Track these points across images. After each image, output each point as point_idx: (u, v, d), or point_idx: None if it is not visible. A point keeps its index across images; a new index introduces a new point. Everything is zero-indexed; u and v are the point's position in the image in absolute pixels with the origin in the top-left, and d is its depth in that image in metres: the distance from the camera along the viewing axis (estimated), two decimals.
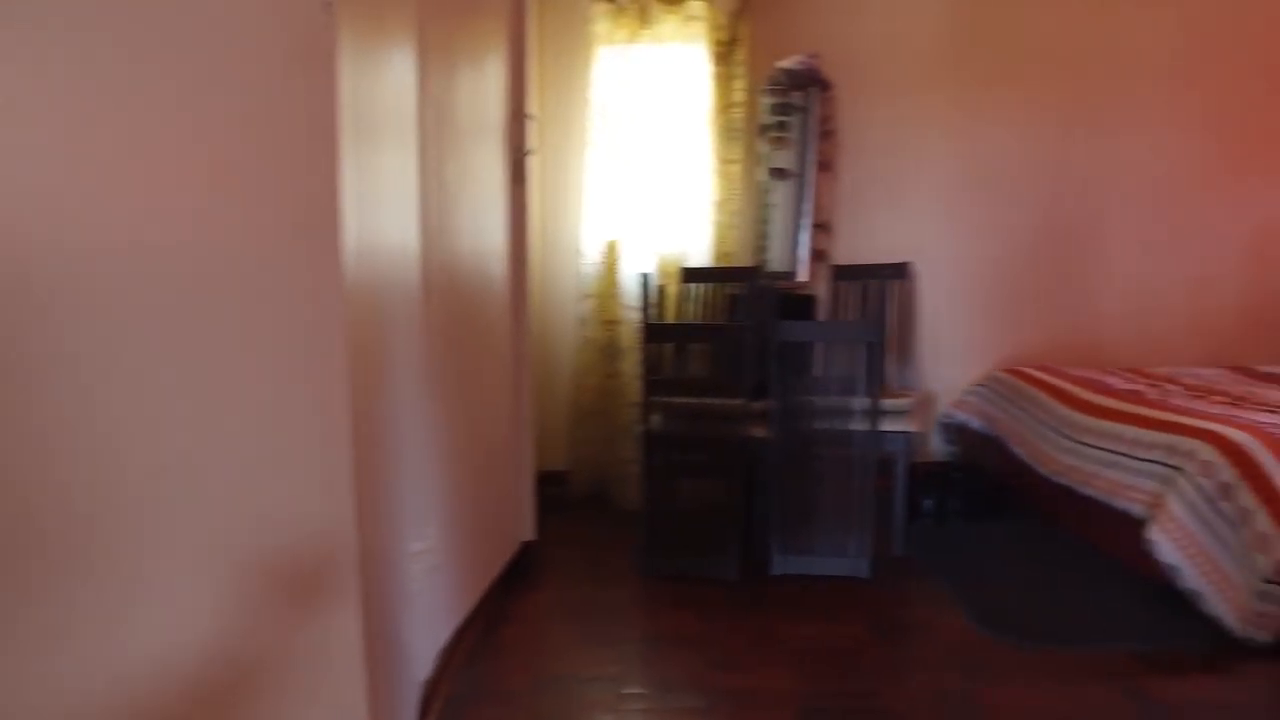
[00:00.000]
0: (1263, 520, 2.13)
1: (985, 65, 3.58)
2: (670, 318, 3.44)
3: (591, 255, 3.46)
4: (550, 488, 3.64)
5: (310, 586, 1.34)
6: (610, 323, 3.54)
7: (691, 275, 3.40)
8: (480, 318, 2.28)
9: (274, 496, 1.30)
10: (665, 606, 2.54)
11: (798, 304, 3.29)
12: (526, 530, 2.77)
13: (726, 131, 3.47)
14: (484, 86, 2.28)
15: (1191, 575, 2.20)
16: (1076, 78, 3.61)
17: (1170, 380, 3.27)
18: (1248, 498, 2.17)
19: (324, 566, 1.34)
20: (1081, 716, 1.91)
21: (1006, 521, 3.20)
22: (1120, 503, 2.50)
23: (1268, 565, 2.11)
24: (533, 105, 2.85)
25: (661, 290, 3.36)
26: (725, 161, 3.49)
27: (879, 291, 3.33)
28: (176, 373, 1.25)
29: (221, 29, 1.22)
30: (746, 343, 2.74)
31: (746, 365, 2.74)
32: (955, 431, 3.66)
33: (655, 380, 2.83)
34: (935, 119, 3.59)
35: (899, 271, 3.41)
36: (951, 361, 3.70)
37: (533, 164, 3.07)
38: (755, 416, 2.86)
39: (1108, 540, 2.74)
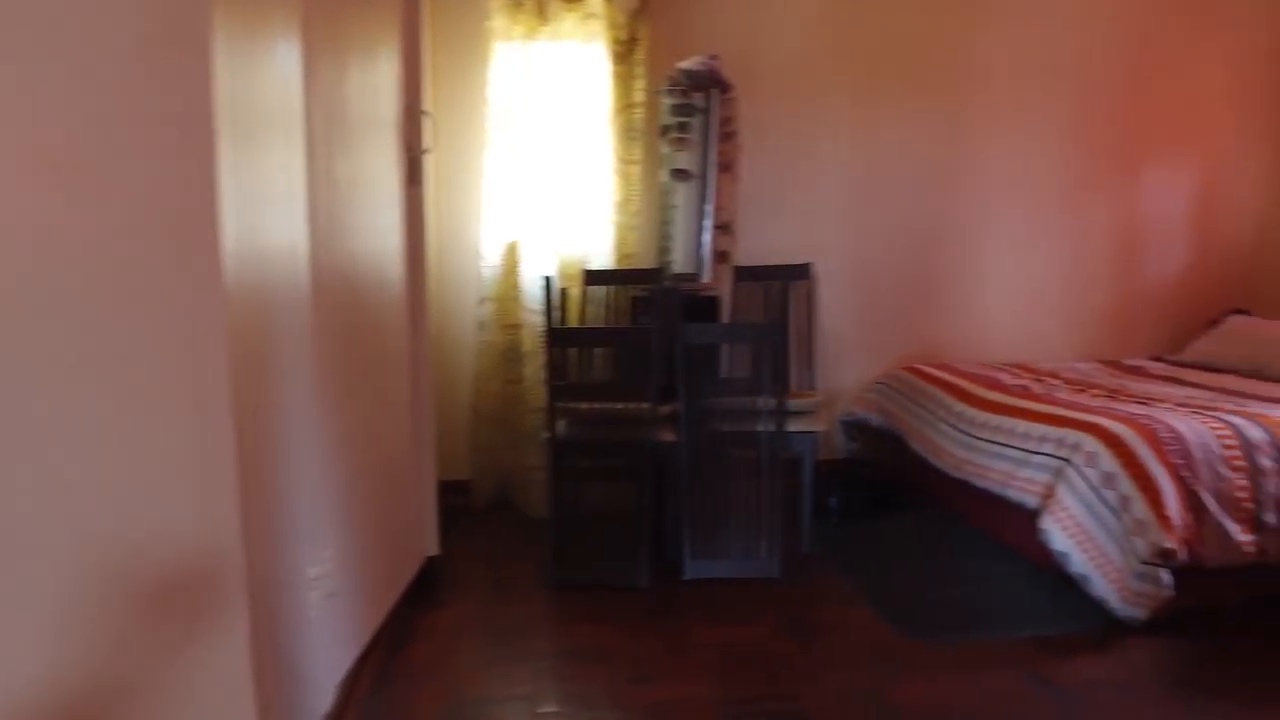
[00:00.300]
0: (1140, 507, 2.25)
1: (878, 71, 3.68)
2: (572, 321, 3.38)
3: (491, 257, 3.36)
4: (453, 497, 3.52)
5: (189, 610, 1.23)
6: (511, 326, 3.44)
7: (594, 278, 3.34)
8: (376, 322, 2.16)
9: (147, 514, 1.21)
10: (577, 618, 2.47)
11: (701, 306, 3.28)
12: (430, 544, 2.65)
13: (627, 132, 3.44)
14: (376, 81, 2.15)
15: (1080, 561, 2.31)
16: (960, 85, 3.75)
17: (1053, 375, 3.44)
18: (1127, 485, 2.28)
19: (205, 588, 1.23)
20: (988, 705, 1.96)
21: (908, 515, 3.29)
22: (1015, 494, 2.60)
23: (1145, 548, 2.23)
24: (428, 102, 2.73)
25: (564, 293, 3.29)
26: (626, 162, 3.45)
27: (781, 292, 3.36)
28: (34, 385, 1.12)
29: (75, 6, 1.08)
30: (652, 346, 2.71)
31: (652, 368, 2.71)
32: (857, 429, 3.74)
33: (560, 385, 2.76)
34: (831, 122, 3.67)
35: (800, 272, 3.46)
36: (852, 360, 3.79)
37: (429, 163, 2.94)
38: (662, 420, 2.83)
39: (1003, 530, 2.85)
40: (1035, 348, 3.96)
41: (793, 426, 2.83)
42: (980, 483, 2.78)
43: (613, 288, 3.36)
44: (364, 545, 1.99)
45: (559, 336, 2.72)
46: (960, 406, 3.06)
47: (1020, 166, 3.87)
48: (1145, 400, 2.86)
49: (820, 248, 3.68)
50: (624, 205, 3.47)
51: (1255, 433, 2.44)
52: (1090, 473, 2.35)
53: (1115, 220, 4.00)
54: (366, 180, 2.06)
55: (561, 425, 2.80)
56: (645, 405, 2.72)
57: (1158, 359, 3.92)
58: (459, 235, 3.49)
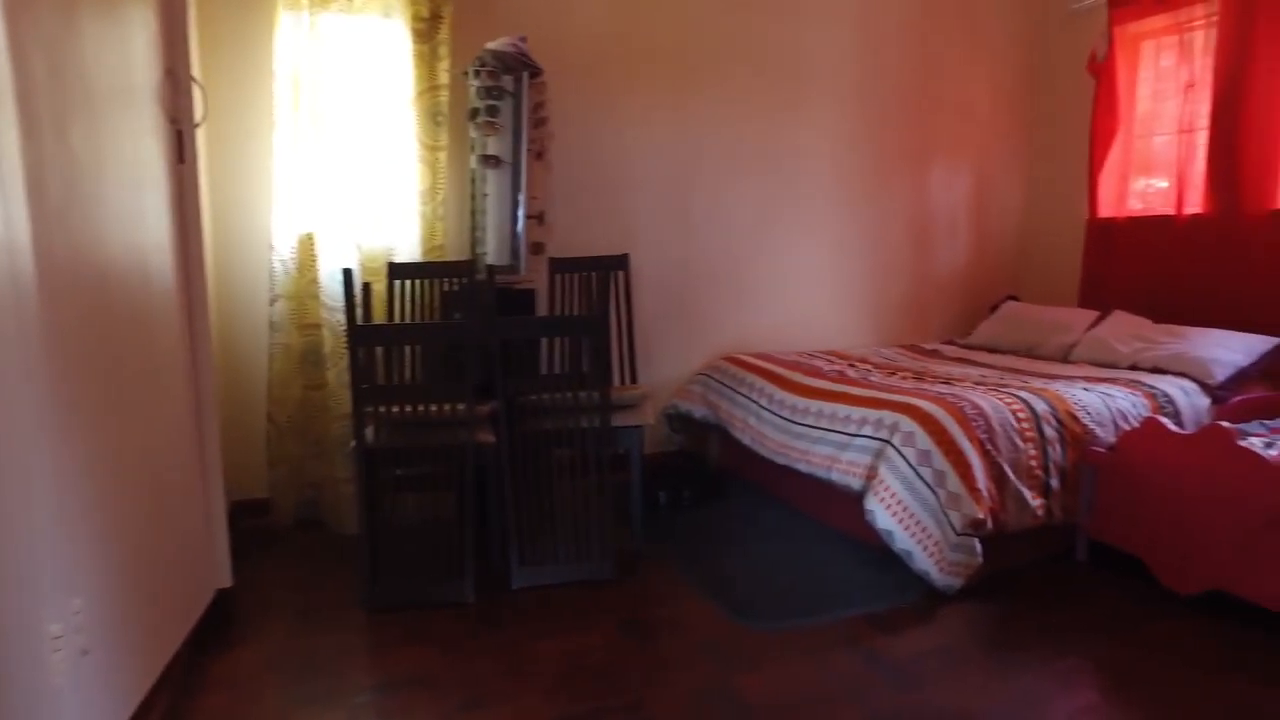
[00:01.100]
0: (953, 481, 2.36)
1: (688, 60, 3.68)
2: (378, 319, 3.11)
3: (283, 250, 3.02)
4: (251, 519, 3.15)
5: None
6: (310, 326, 3.12)
7: (400, 271, 3.09)
8: (140, 324, 1.83)
9: None
10: (398, 643, 2.24)
11: (517, 299, 3.13)
12: (222, 575, 2.32)
13: (432, 116, 3.21)
14: (124, 40, 1.82)
15: (902, 537, 2.39)
16: (770, 78, 3.84)
17: (864, 360, 3.59)
18: (941, 461, 2.39)
19: None
20: (831, 686, 1.97)
21: (738, 504, 3.30)
22: (839, 477, 2.66)
23: (959, 520, 2.34)
24: (198, 69, 2.39)
25: (367, 289, 3.02)
26: (431, 148, 3.22)
27: (599, 284, 3.27)
28: None
29: None
30: (466, 342, 2.53)
31: (468, 367, 2.53)
32: (681, 421, 3.73)
33: (366, 388, 2.51)
34: (643, 111, 3.62)
35: (618, 264, 3.38)
36: (672, 353, 3.78)
37: (205, 143, 2.59)
38: (481, 421, 2.66)
39: (829, 512, 2.92)
40: (844, 336, 4.15)
41: (617, 421, 2.75)
42: (805, 468, 2.83)
43: (421, 282, 3.13)
44: (130, 586, 1.68)
45: (363, 334, 2.47)
46: (781, 394, 3.11)
47: (827, 162, 4.02)
48: (948, 380, 3.03)
49: (636, 239, 3.64)
50: (431, 194, 3.24)
51: (1040, 405, 2.64)
52: (908, 451, 2.44)
53: (909, 214, 4.26)
54: (118, 157, 1.74)
55: (370, 432, 2.55)
56: (461, 406, 2.53)
57: (950, 342, 4.22)
58: (244, 224, 3.11)
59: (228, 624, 2.33)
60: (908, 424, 2.48)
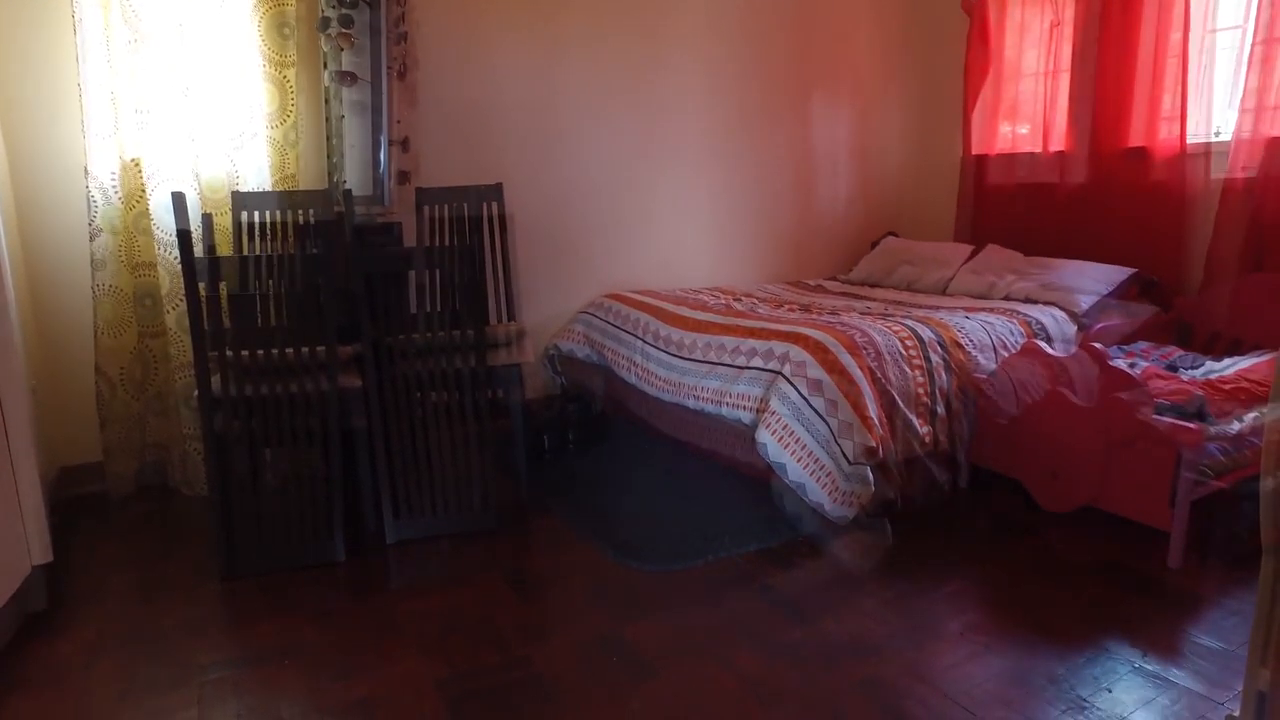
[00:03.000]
0: (845, 410, 2.33)
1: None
2: (222, 255, 2.78)
3: (103, 177, 2.63)
4: (83, 485, 2.81)
5: None
6: (144, 265, 2.75)
7: (246, 202, 2.76)
8: None
9: None
10: (259, 614, 2.02)
11: (380, 232, 2.87)
12: (36, 551, 2.01)
13: (279, 26, 2.85)
14: None
15: (794, 469, 2.34)
16: (650, 7, 3.64)
17: (749, 295, 3.53)
18: (833, 390, 2.35)
19: None
20: (726, 627, 1.90)
21: (625, 446, 3.19)
22: (729, 411, 2.58)
23: (853, 449, 2.31)
24: None
25: (208, 220, 2.68)
26: (279, 64, 2.87)
27: (471, 214, 3.04)
28: None
29: None
30: (325, 278, 2.27)
31: (328, 306, 2.27)
32: (564, 362, 3.57)
33: (212, 332, 2.22)
34: (516, 34, 3.36)
35: (491, 194, 3.15)
36: (551, 292, 3.60)
37: None
38: (345, 365, 2.42)
39: (719, 448, 2.85)
40: (728, 272, 4.08)
41: (494, 361, 2.57)
42: (694, 404, 2.74)
43: (272, 214, 2.80)
44: None
45: (200, 266, 2.16)
46: (667, 329, 3.00)
47: (708, 96, 3.88)
48: (834, 312, 3.00)
49: (509, 170, 3.40)
50: (280, 116, 2.90)
51: (927, 333, 2.65)
52: (799, 382, 2.38)
53: (791, 150, 4.20)
54: None
55: (219, 382, 2.26)
56: (322, 350, 2.28)
57: (833, 278, 4.23)
58: (51, 146, 2.68)
59: (55, 607, 2.04)
60: (798, 353, 2.42)
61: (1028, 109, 4.00)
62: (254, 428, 2.26)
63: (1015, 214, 4.01)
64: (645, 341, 3.08)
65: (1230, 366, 2.70)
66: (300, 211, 2.81)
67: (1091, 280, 3.27)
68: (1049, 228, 3.86)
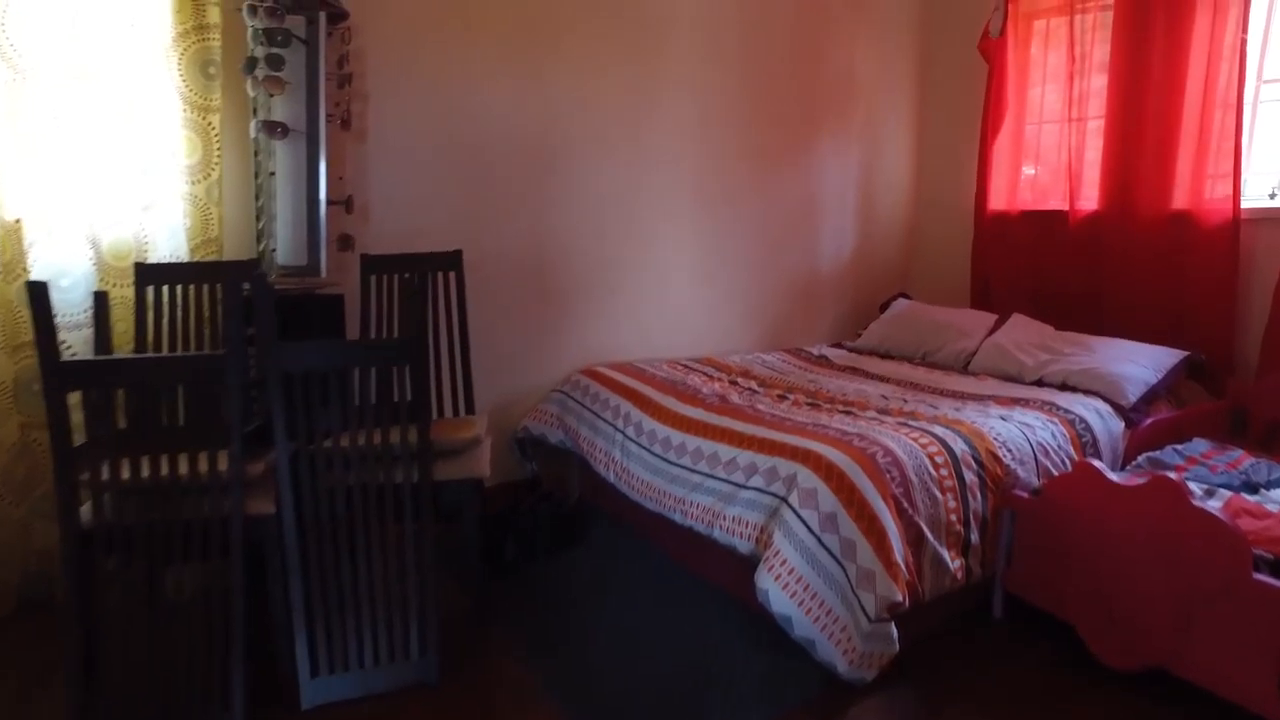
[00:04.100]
0: (865, 553, 1.89)
1: (545, 18, 3.02)
2: (123, 340, 2.34)
3: None
4: None
5: None
6: (25, 346, 2.31)
7: (151, 275, 2.32)
8: None
9: None
10: None
11: (317, 309, 2.44)
12: None
13: (201, 65, 2.44)
14: None
15: (803, 623, 1.89)
16: (640, 45, 3.24)
17: (746, 373, 3.10)
18: (850, 528, 1.91)
19: None
20: None
21: (602, 552, 2.73)
22: (721, 535, 2.15)
23: (874, 604, 1.87)
24: None
25: (103, 300, 2.24)
26: (202, 109, 2.45)
27: (419, 291, 2.59)
28: None
29: None
30: (233, 377, 1.83)
31: (236, 409, 1.84)
32: (535, 446, 3.13)
33: (78, 446, 1.77)
34: (487, 73, 2.94)
35: (449, 262, 2.71)
36: (524, 363, 3.16)
37: None
38: (255, 482, 1.98)
39: (710, 568, 2.41)
40: (721, 338, 3.65)
41: (444, 474, 2.13)
42: (680, 519, 2.31)
43: (185, 288, 2.37)
44: None
45: (61, 373, 1.73)
46: (651, 423, 2.56)
47: (702, 139, 3.48)
48: (847, 406, 2.58)
49: (476, 228, 2.97)
50: (202, 169, 2.48)
51: (959, 445, 2.22)
52: (809, 515, 1.94)
53: (792, 204, 3.79)
54: None
55: (89, 506, 1.81)
56: (224, 469, 1.84)
57: (838, 345, 3.82)
58: None
59: None
60: (808, 477, 1.99)
61: (1052, 163, 3.61)
62: (137, 559, 1.81)
63: (1039, 279, 3.61)
64: (625, 435, 2.64)
65: None
66: (220, 285, 2.38)
67: (1137, 366, 2.86)
68: (1078, 297, 3.46)
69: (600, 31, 3.15)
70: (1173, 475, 2.29)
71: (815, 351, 3.63)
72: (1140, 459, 2.56)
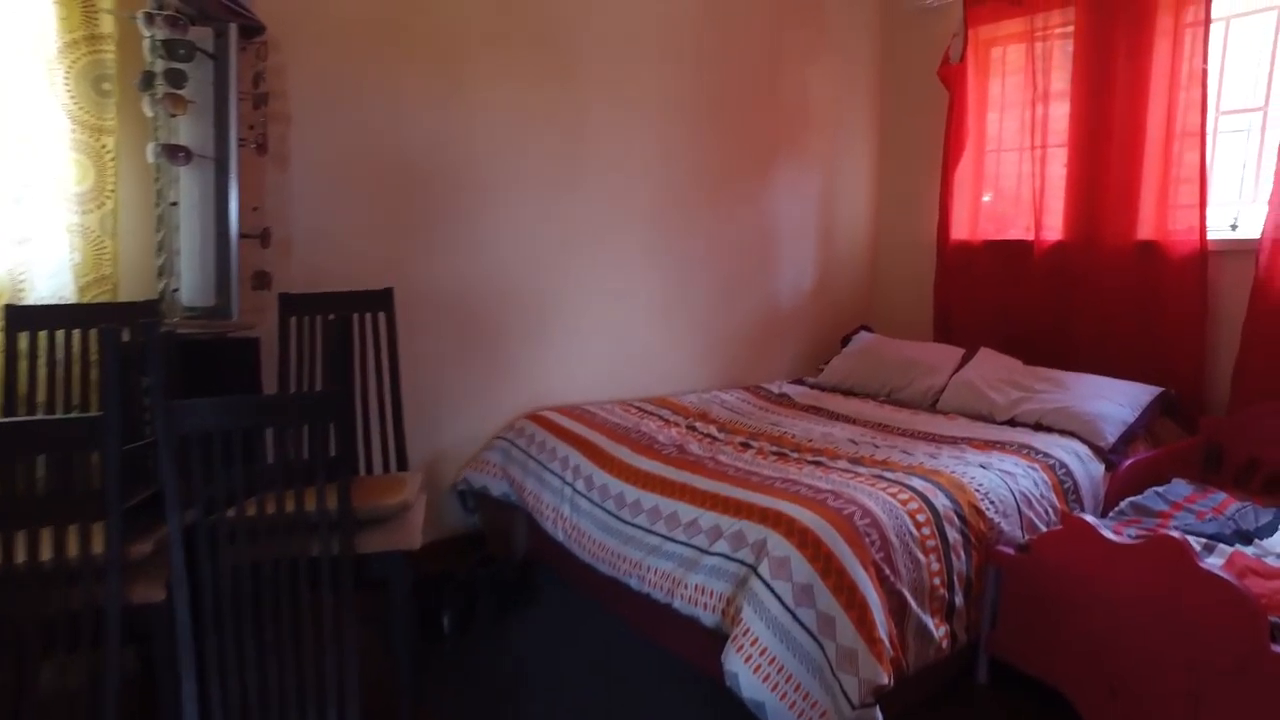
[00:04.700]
0: (846, 630, 1.68)
1: (472, 30, 2.80)
2: None
3: None
4: None
5: None
6: None
7: (26, 318, 2.03)
8: None
9: None
10: None
11: (229, 355, 2.17)
12: None
13: (93, 80, 2.16)
14: None
15: (779, 711, 1.67)
16: (586, 64, 3.04)
17: (704, 416, 2.89)
18: (828, 600, 1.70)
19: None
20: None
21: (551, 617, 2.48)
22: (683, 606, 1.92)
23: (856, 688, 1.66)
24: None
25: None
26: (94, 129, 2.18)
27: (338, 337, 2.32)
28: None
29: None
30: (109, 444, 1.55)
31: (112, 480, 1.56)
32: (477, 498, 2.87)
33: None
34: (413, 95, 2.71)
35: (379, 301, 2.46)
36: (464, 407, 2.89)
37: None
38: (141, 563, 1.69)
39: (669, 636, 2.18)
40: (678, 375, 3.44)
41: (370, 545, 1.87)
42: (637, 585, 2.07)
43: (68, 333, 2.08)
44: None
45: None
46: (603, 477, 2.33)
47: (656, 166, 3.28)
48: (816, 455, 2.38)
49: (409, 267, 2.71)
50: (95, 197, 2.19)
51: (941, 500, 2.03)
52: (781, 586, 1.72)
53: (749, 233, 3.61)
54: None
55: None
56: (100, 553, 1.55)
57: (799, 381, 3.64)
58: None
59: None
60: (779, 543, 1.77)
61: (1016, 192, 3.50)
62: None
63: (1004, 311, 3.49)
64: (575, 489, 2.41)
65: None
66: (108, 328, 2.09)
67: (1113, 404, 2.73)
68: (1045, 329, 3.34)
69: (544, 55, 2.94)
70: (1158, 522, 2.16)
71: (776, 389, 3.44)
72: (1124, 505, 2.42)
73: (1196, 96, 2.92)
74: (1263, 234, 2.80)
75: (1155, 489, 2.52)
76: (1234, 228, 3.06)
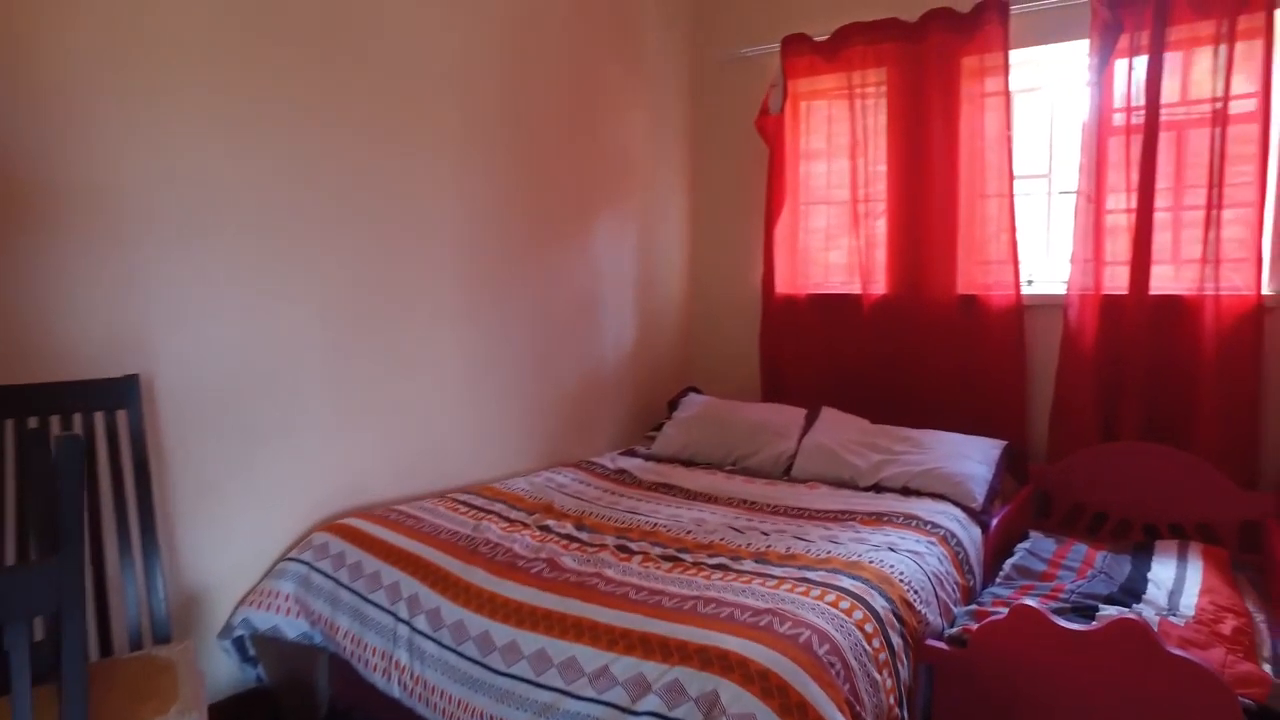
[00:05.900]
0: None
1: (269, 57, 2.19)
2: None
3: None
4: None
5: None
6: None
7: None
8: None
9: None
10: None
11: None
12: None
13: None
14: None
15: None
16: (387, 109, 2.52)
17: (549, 508, 2.42)
18: None
19: None
20: None
21: None
22: None
23: None
24: None
25: None
26: None
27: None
28: None
29: None
30: None
31: None
32: (263, 644, 2.17)
33: None
34: (175, 110, 2.03)
35: (117, 395, 1.74)
36: (235, 525, 2.17)
37: None
38: None
39: None
40: (494, 456, 2.90)
41: None
42: None
43: None
44: None
45: None
46: (455, 610, 1.79)
47: (451, 220, 2.77)
48: (711, 553, 2.00)
49: (161, 341, 2.00)
50: None
51: (878, 601, 1.74)
52: None
53: (560, 295, 3.20)
54: None
55: None
56: None
57: (631, 452, 3.28)
58: None
59: None
60: (737, 696, 1.36)
61: (841, 245, 3.45)
62: None
63: (835, 366, 3.40)
64: (413, 628, 1.83)
65: (1181, 586, 2.15)
66: None
67: (972, 461, 2.66)
68: (878, 385, 3.28)
69: (327, 77, 2.38)
70: (1051, 587, 2.06)
71: (611, 464, 3.05)
72: (1007, 569, 2.31)
73: (1004, 159, 3.02)
74: (1068, 290, 2.92)
75: (1024, 546, 2.46)
76: (1029, 283, 3.19)
